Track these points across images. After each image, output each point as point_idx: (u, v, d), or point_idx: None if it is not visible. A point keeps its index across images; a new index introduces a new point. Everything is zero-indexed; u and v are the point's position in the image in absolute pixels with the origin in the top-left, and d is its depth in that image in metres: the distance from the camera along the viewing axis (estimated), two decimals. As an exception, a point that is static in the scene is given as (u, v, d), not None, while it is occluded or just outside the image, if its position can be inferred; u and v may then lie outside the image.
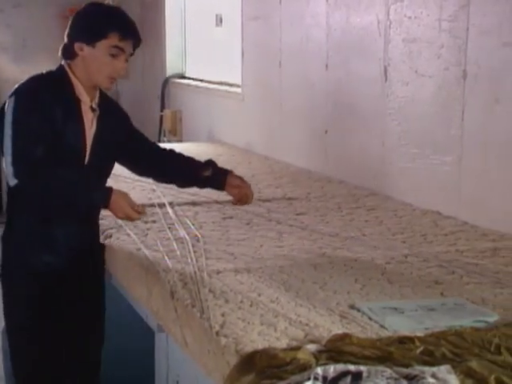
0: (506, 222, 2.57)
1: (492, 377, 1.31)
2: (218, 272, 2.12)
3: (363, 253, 2.33)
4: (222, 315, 1.76)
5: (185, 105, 5.75)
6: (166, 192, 3.13)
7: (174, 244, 2.38)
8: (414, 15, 2.98)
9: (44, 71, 2.36)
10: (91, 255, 2.48)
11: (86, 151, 2.34)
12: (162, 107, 6.08)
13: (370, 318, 1.74)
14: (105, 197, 2.22)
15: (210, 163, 2.57)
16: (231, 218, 2.82)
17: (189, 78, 6.00)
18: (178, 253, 2.30)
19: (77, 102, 2.32)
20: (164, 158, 2.58)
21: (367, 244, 2.45)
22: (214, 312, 1.78)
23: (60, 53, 2.35)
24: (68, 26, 2.34)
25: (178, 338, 1.94)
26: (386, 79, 3.20)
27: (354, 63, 3.47)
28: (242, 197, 2.53)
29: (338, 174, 3.57)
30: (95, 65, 2.28)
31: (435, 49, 2.86)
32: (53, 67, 2.36)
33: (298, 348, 1.48)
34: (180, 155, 2.61)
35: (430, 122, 2.96)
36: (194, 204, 3.02)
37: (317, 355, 1.44)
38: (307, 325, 1.69)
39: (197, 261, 2.21)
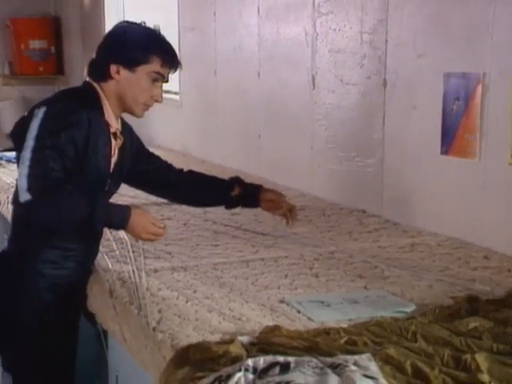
0: (424, 220, 2.63)
1: (408, 362, 1.34)
2: (156, 270, 2.11)
3: (293, 250, 2.36)
4: (159, 312, 1.76)
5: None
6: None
7: (114, 244, 2.36)
8: (338, 28, 3.02)
9: (73, 87, 2.11)
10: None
11: (107, 180, 2.08)
12: (103, 113, 5.98)
13: (299, 311, 1.76)
14: (124, 218, 1.94)
15: (236, 181, 2.36)
16: (169, 219, 2.80)
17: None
18: (118, 252, 2.28)
19: (106, 126, 2.04)
20: (185, 180, 2.34)
21: (297, 242, 2.47)
22: (151, 309, 1.77)
23: (87, 70, 2.08)
24: (102, 44, 2.07)
25: (117, 334, 1.93)
26: (313, 87, 3.23)
27: (284, 72, 3.49)
28: (286, 212, 2.33)
29: (271, 175, 3.58)
30: (132, 90, 2.02)
31: (358, 59, 2.91)
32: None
33: (231, 341, 1.49)
34: (202, 175, 2.38)
35: (354, 126, 3.01)
36: (133, 206, 2.98)
37: (248, 348, 1.45)
38: (240, 319, 1.70)
39: (135, 260, 2.19)
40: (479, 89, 2.33)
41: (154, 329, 1.66)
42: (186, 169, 2.40)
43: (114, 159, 2.10)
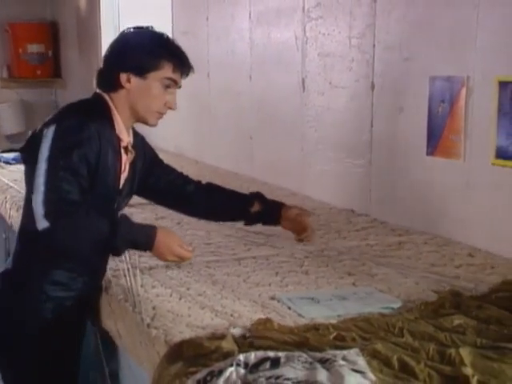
0: (410, 219, 2.64)
1: (395, 357, 1.34)
2: (150, 268, 2.10)
3: (284, 248, 2.36)
4: (153, 308, 1.76)
5: (121, 113, 5.66)
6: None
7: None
8: (328, 32, 3.03)
9: (82, 100, 1.95)
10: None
11: (116, 197, 1.94)
12: (99, 115, 5.97)
13: (289, 308, 1.76)
14: (149, 239, 1.80)
15: (256, 196, 2.20)
16: (163, 218, 2.80)
17: (124, 89, 5.92)
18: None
19: (117, 141, 1.90)
20: (202, 193, 2.18)
21: (288, 240, 2.46)
22: (146, 306, 1.77)
23: (96, 82, 1.94)
24: (109, 53, 1.93)
25: (113, 330, 1.92)
26: (303, 90, 3.23)
27: (275, 75, 3.50)
28: (302, 231, 2.13)
29: (262, 175, 3.59)
30: (144, 98, 1.88)
31: (346, 63, 2.91)
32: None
33: (223, 336, 1.49)
34: (220, 189, 2.22)
35: (343, 128, 3.01)
36: (128, 205, 2.98)
37: (239, 343, 1.45)
38: (232, 315, 1.70)
39: (130, 258, 2.18)
40: (463, 91, 2.34)
41: (148, 325, 1.66)
42: (204, 181, 2.25)
43: (124, 175, 1.95)
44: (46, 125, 1.82)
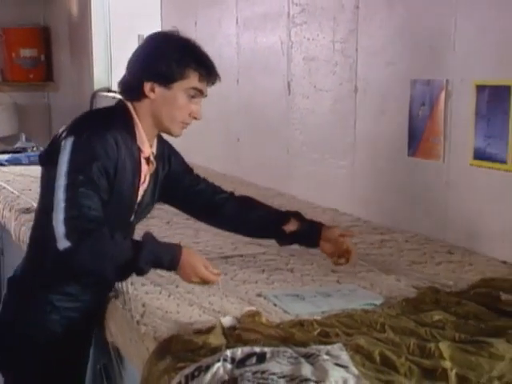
0: (392, 217, 2.65)
1: (376, 351, 1.34)
2: (140, 267, 2.09)
3: (270, 247, 2.34)
4: (143, 306, 1.75)
5: (111, 116, 5.65)
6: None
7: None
8: (312, 37, 3.03)
9: (104, 107, 1.84)
10: None
11: (134, 209, 1.83)
12: (91, 118, 5.95)
13: (275, 304, 1.76)
14: (174, 259, 1.67)
15: (293, 214, 2.02)
16: (153, 217, 2.78)
17: (115, 92, 5.90)
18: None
19: (137, 152, 1.78)
20: (232, 206, 2.03)
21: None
22: (136, 303, 1.76)
23: (119, 89, 1.82)
24: (133, 60, 1.79)
25: (104, 328, 1.91)
26: (289, 93, 3.24)
27: (262, 79, 3.50)
28: (343, 253, 1.96)
29: (249, 176, 3.59)
30: (169, 109, 1.75)
31: (330, 66, 2.92)
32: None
33: (213, 327, 1.48)
34: (254, 203, 2.06)
35: (327, 130, 3.01)
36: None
37: (228, 335, 1.44)
38: (219, 312, 1.70)
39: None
40: (443, 95, 2.35)
41: (137, 322, 1.65)
42: (237, 194, 2.10)
43: (143, 186, 1.83)
44: (65, 136, 1.70)
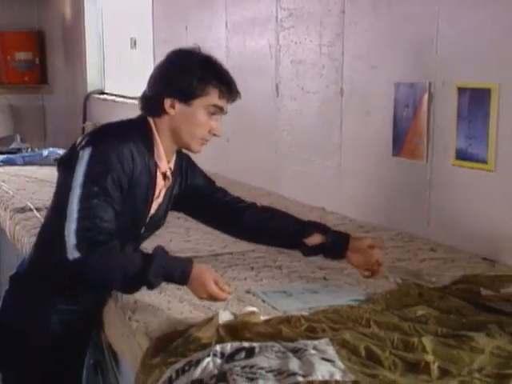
0: (377, 216, 2.66)
1: (362, 346, 1.35)
2: (132, 265, 2.08)
3: (259, 245, 2.35)
4: (135, 302, 1.74)
5: (104, 117, 5.61)
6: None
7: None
8: (299, 41, 3.03)
9: (126, 120, 1.79)
10: None
11: (145, 222, 1.80)
12: (84, 120, 5.94)
13: (264, 301, 1.76)
14: (184, 274, 1.61)
15: (317, 227, 1.92)
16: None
17: (107, 94, 5.89)
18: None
19: (154, 167, 1.75)
20: (252, 216, 1.94)
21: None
22: (127, 300, 1.75)
23: (140, 105, 1.78)
24: (155, 76, 1.76)
25: (98, 323, 1.91)
26: (277, 95, 3.24)
27: (251, 81, 3.49)
28: (372, 265, 1.85)
29: (239, 176, 3.58)
30: (188, 125, 1.71)
31: (317, 69, 2.92)
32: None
33: (211, 319, 1.49)
34: (277, 213, 1.97)
35: (314, 131, 3.02)
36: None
37: (220, 332, 1.44)
38: (209, 308, 1.69)
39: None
40: (425, 97, 2.36)
41: (129, 318, 1.65)
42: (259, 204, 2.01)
43: (158, 201, 1.79)
44: (83, 145, 1.66)
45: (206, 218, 2.01)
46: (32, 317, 1.80)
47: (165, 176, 1.79)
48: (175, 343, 1.42)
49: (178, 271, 1.61)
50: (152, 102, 1.74)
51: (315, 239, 1.89)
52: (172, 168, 1.82)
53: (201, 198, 1.94)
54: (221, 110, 1.75)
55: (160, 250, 1.63)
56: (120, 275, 1.59)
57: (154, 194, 1.76)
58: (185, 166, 1.91)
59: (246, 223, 1.94)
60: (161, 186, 1.79)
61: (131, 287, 1.64)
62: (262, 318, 1.56)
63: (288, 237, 1.93)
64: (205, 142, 1.77)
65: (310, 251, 1.92)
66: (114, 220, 1.62)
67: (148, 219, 1.80)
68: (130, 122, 1.79)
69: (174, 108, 1.71)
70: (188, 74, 1.70)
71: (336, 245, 1.88)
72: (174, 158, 1.83)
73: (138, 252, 1.63)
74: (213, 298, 1.63)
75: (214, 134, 1.77)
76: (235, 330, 1.45)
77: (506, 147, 2.08)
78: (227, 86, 1.74)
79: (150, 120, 1.75)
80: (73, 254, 1.55)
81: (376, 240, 1.98)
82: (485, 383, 1.20)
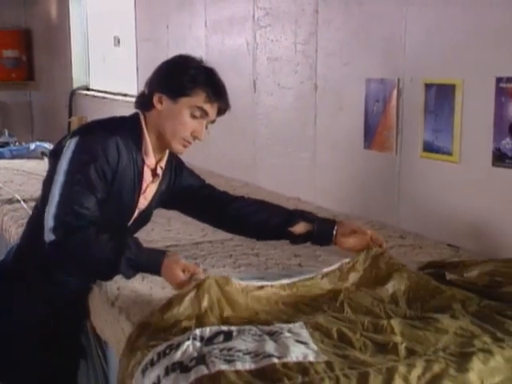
0: (349, 205, 2.66)
1: (334, 329, 1.35)
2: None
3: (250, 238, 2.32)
4: (118, 289, 1.73)
5: (89, 113, 5.57)
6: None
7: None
8: (276, 39, 3.02)
9: (117, 116, 1.78)
10: None
11: (133, 215, 1.77)
12: (70, 115, 5.88)
13: (241, 286, 1.75)
14: (156, 266, 1.57)
15: (302, 215, 1.88)
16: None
17: (92, 90, 5.84)
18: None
19: (141, 162, 1.72)
20: (240, 209, 1.91)
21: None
22: (111, 287, 1.74)
23: (135, 101, 1.77)
24: (152, 74, 1.75)
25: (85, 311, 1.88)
26: (255, 90, 3.22)
27: (230, 77, 3.41)
28: (368, 244, 1.78)
29: (218, 168, 3.56)
30: (172, 122, 1.68)
31: (293, 66, 2.91)
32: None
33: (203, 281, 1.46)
34: (263, 205, 1.93)
35: (290, 125, 3.01)
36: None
37: (200, 318, 1.42)
38: (189, 294, 1.68)
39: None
40: (395, 92, 2.36)
41: (112, 304, 1.63)
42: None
43: (144, 195, 1.77)
44: (73, 134, 1.66)
45: (199, 214, 1.97)
46: (20, 304, 1.76)
47: (154, 173, 1.76)
48: (156, 325, 1.40)
49: (149, 264, 1.57)
50: (144, 97, 1.73)
51: (301, 227, 1.86)
52: (163, 167, 1.79)
53: (191, 195, 1.91)
54: (206, 114, 1.70)
55: (132, 243, 1.58)
56: (92, 263, 1.57)
57: (140, 188, 1.74)
58: (174, 164, 1.88)
59: (232, 216, 1.91)
60: (148, 182, 1.76)
61: (104, 275, 1.63)
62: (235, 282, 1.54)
63: (275, 227, 1.88)
64: (187, 143, 1.73)
65: (297, 239, 1.89)
66: (96, 208, 1.60)
67: (137, 214, 1.78)
68: (122, 118, 1.78)
69: (161, 103, 1.69)
70: (182, 73, 1.68)
71: (323, 232, 1.84)
72: (166, 157, 1.80)
73: (113, 241, 1.57)
74: (183, 287, 1.54)
75: (196, 137, 1.72)
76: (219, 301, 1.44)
77: (469, 140, 2.09)
78: (216, 93, 1.70)
79: (141, 116, 1.73)
80: (49, 236, 1.55)
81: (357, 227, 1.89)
82: (449, 361, 1.20)
